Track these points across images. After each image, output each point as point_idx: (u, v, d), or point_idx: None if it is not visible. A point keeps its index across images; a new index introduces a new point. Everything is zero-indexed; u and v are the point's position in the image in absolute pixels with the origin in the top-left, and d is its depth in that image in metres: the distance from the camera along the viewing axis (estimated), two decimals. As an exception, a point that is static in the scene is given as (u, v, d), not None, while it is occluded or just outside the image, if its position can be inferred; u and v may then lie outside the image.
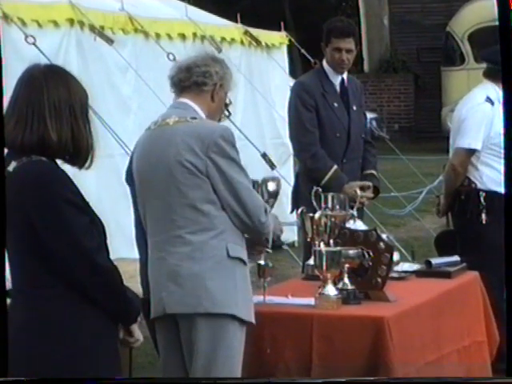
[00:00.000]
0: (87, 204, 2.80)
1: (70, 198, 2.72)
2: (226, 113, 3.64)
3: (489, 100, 5.07)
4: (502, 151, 5.01)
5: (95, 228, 2.78)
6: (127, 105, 7.21)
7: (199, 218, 3.39)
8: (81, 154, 2.79)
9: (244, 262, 3.48)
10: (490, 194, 5.04)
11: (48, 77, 2.79)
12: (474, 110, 5.13)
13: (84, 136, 2.78)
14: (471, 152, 5.09)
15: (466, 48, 16.50)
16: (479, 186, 5.09)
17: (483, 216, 5.02)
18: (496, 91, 5.04)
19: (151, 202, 3.48)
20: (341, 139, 4.94)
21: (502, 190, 5.02)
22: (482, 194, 5.05)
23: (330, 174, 4.82)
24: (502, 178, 5.03)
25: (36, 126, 2.73)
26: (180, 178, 3.38)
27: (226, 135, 3.42)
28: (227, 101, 3.61)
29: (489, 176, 5.07)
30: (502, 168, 5.04)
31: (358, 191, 4.66)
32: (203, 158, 3.37)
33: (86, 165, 2.82)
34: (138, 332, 2.91)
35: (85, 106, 2.81)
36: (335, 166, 4.86)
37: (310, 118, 4.89)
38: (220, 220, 3.41)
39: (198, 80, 3.50)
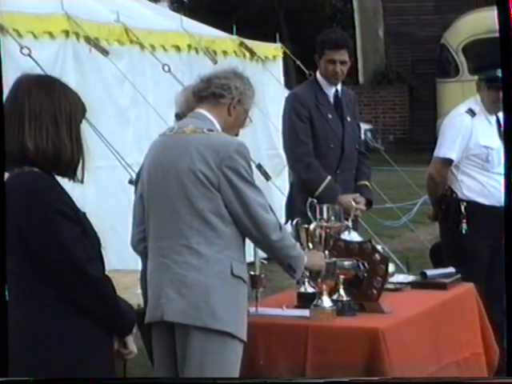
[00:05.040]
0: (80, 215, 2.79)
1: (60, 208, 2.71)
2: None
3: (470, 111, 5.13)
4: (483, 162, 5.10)
5: (88, 239, 2.77)
6: (125, 116, 7.22)
7: (206, 231, 3.39)
8: (61, 163, 2.75)
9: (244, 281, 3.49)
10: (471, 204, 5.08)
11: (32, 85, 2.77)
12: (452, 120, 5.21)
13: (66, 146, 2.74)
14: (447, 161, 5.13)
15: (461, 60, 16.55)
16: (460, 195, 5.13)
17: (463, 226, 5.05)
18: (479, 103, 5.12)
19: (158, 207, 3.48)
20: (335, 150, 4.95)
21: (482, 200, 5.08)
22: (463, 204, 5.08)
23: (323, 184, 4.83)
24: (482, 188, 5.12)
25: (16, 133, 2.72)
26: (191, 187, 3.39)
27: (240, 150, 3.43)
28: (247, 120, 3.61)
29: (469, 186, 5.12)
30: (482, 178, 5.12)
31: (353, 203, 4.68)
32: (216, 171, 3.37)
33: (78, 177, 2.80)
34: (133, 344, 2.90)
35: (73, 115, 2.77)
36: (329, 177, 4.87)
37: (304, 129, 4.90)
38: (226, 235, 3.41)
39: (215, 91, 3.51)
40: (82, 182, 2.81)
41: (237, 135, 3.65)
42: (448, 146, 5.12)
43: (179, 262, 3.39)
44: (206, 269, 3.38)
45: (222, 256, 3.40)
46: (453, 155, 5.10)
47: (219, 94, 3.51)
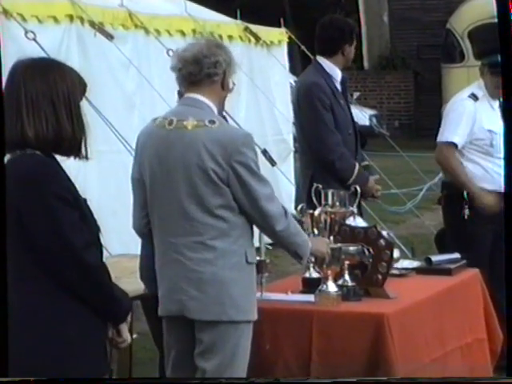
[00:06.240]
0: (80, 200, 2.77)
1: (59, 193, 2.69)
2: None
3: (473, 96, 5.12)
4: (487, 147, 5.09)
5: (86, 225, 2.75)
6: (132, 101, 7.20)
7: (220, 224, 3.39)
8: (63, 145, 2.74)
9: (254, 265, 3.52)
10: None
11: (27, 70, 2.75)
12: (455, 105, 5.20)
13: (66, 128, 2.72)
14: (450, 145, 5.10)
15: (466, 45, 16.50)
16: None
17: (466, 211, 5.04)
18: (482, 87, 5.11)
19: (165, 203, 3.45)
20: (352, 136, 4.99)
21: (485, 185, 5.06)
22: (465, 190, 5.07)
23: (355, 172, 4.85)
24: (485, 173, 5.10)
25: (14, 122, 2.71)
26: (201, 185, 3.37)
27: (247, 142, 3.41)
28: (231, 83, 3.55)
29: (472, 172, 5.10)
30: (486, 164, 5.11)
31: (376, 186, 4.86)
32: (225, 167, 3.36)
33: (83, 154, 2.78)
34: (127, 332, 2.88)
35: (71, 96, 2.75)
36: (357, 164, 4.91)
37: (330, 119, 4.89)
38: (238, 225, 3.42)
39: (209, 72, 3.45)
40: (86, 158, 2.79)
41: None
42: (450, 131, 5.11)
43: (194, 258, 3.39)
44: (223, 262, 3.38)
45: (236, 247, 3.41)
46: (455, 139, 5.08)
47: (213, 73, 3.46)
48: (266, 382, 3.38)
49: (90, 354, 2.75)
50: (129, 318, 2.88)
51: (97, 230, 2.81)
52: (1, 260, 2.66)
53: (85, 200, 2.81)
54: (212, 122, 3.42)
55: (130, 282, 3.85)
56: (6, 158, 2.74)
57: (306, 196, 4.80)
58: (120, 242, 5.75)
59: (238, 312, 3.40)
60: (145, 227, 3.56)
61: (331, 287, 3.71)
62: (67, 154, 2.78)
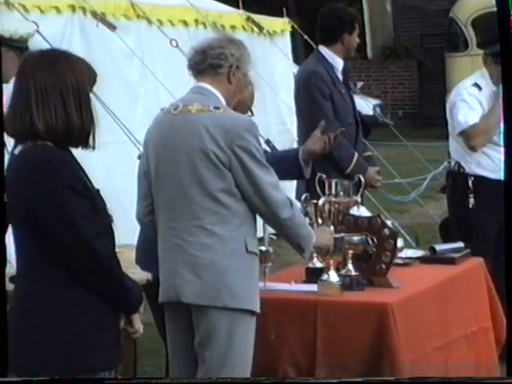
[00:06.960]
0: (92, 191, 2.78)
1: (70, 182, 2.70)
2: (249, 113, 3.63)
3: (476, 85, 5.10)
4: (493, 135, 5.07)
5: (97, 214, 2.76)
6: (136, 91, 7.20)
7: (220, 210, 3.39)
8: (72, 137, 2.75)
9: (257, 255, 3.50)
10: (478, 179, 5.05)
11: (35, 63, 2.75)
12: (460, 92, 5.17)
13: (75, 120, 2.73)
14: (472, 128, 5.05)
15: (470, 34, 16.44)
16: (467, 170, 5.10)
17: (471, 200, 5.03)
18: (486, 76, 5.10)
19: (168, 188, 3.46)
20: (352, 125, 4.98)
21: (490, 174, 5.04)
22: (470, 179, 5.05)
23: (354, 161, 4.85)
24: (491, 162, 5.09)
25: (24, 114, 2.72)
26: (202, 168, 3.38)
27: (251, 128, 3.42)
28: (247, 83, 3.56)
29: (478, 161, 5.09)
30: (492, 153, 5.09)
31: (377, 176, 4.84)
32: (227, 152, 3.36)
33: (90, 145, 2.79)
34: (139, 323, 2.88)
35: (80, 87, 2.75)
36: (356, 154, 4.90)
37: (329, 108, 4.89)
38: (239, 213, 3.41)
39: (212, 62, 3.48)
40: (93, 148, 2.81)
41: (251, 111, 3.61)
42: (466, 115, 5.07)
43: (193, 242, 3.39)
44: (222, 249, 3.38)
45: (236, 234, 3.40)
46: (476, 119, 5.05)
47: (217, 65, 3.48)
48: (272, 382, 3.38)
49: (103, 344, 2.76)
50: (141, 309, 2.87)
51: (109, 220, 2.82)
52: (1, 260, 2.67)
53: (98, 190, 2.82)
54: (217, 108, 3.44)
55: (134, 272, 3.85)
56: (18, 149, 2.76)
57: (305, 186, 4.81)
58: (125, 232, 5.76)
59: (234, 300, 3.38)
60: (145, 217, 3.58)
61: (333, 277, 3.72)
62: (76, 144, 2.79)
